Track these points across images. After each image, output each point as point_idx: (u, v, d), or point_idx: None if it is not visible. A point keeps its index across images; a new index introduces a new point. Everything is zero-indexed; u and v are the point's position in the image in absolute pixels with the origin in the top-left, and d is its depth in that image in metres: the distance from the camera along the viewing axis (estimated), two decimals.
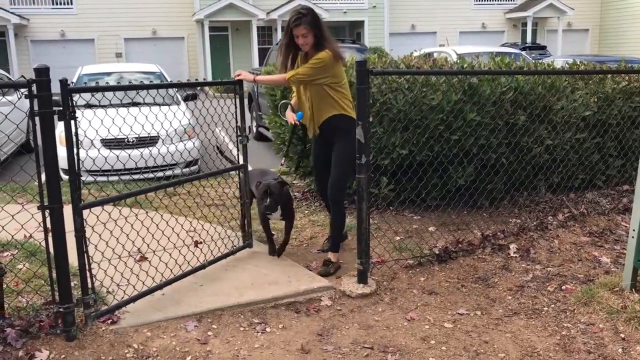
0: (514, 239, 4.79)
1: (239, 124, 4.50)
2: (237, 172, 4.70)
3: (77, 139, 3.29)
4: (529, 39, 31.60)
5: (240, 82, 4.49)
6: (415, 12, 31.31)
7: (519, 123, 5.54)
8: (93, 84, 8.54)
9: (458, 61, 5.94)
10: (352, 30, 31.02)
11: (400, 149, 5.30)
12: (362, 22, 29.64)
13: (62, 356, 3.14)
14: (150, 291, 3.76)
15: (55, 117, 3.11)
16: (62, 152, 6.76)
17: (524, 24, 32.31)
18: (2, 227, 3.29)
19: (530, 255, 4.54)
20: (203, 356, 3.23)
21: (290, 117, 4.50)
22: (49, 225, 3.15)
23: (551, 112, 5.75)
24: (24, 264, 4.27)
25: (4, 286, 3.34)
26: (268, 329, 3.54)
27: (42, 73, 2.93)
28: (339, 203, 4.31)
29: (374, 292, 4.01)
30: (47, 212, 3.13)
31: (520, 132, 5.54)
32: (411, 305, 3.85)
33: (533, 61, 8.58)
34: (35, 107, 2.98)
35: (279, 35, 26.68)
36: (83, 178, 7.41)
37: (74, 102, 3.27)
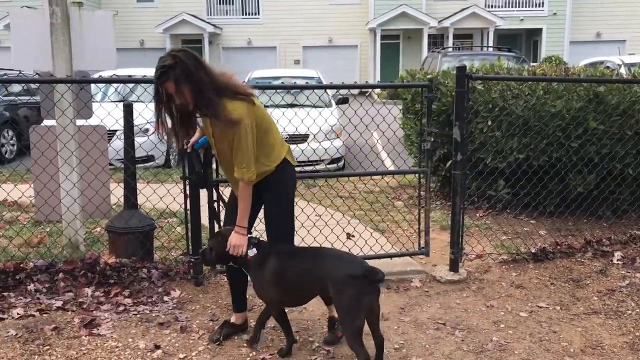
0: (621, 247, 4.78)
1: (425, 127, 4.46)
2: (418, 175, 4.77)
3: None
4: None
5: (429, 85, 4.39)
6: (603, 18, 29.27)
7: None
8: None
9: (588, 69, 5.94)
10: (529, 39, 29.98)
11: (518, 153, 5.49)
12: (540, 29, 28.53)
13: (190, 296, 3.99)
14: None
15: None
16: None
17: None
18: (176, 200, 4.22)
19: (635, 264, 4.52)
20: (299, 311, 3.86)
21: (192, 141, 3.41)
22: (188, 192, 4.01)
23: None
24: (175, 228, 5.28)
25: (159, 243, 4.30)
26: None
27: None
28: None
29: (463, 280, 4.34)
30: (187, 182, 3.99)
31: None
32: (495, 295, 4.14)
33: None
34: None
35: (450, 42, 26.75)
36: None
37: None
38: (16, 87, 11.18)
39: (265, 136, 3.17)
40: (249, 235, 3.21)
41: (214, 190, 3.96)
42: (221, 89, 3.00)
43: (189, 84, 2.91)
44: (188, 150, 3.45)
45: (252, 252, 3.16)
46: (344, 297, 2.89)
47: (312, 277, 3.02)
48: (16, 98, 11.23)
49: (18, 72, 9.45)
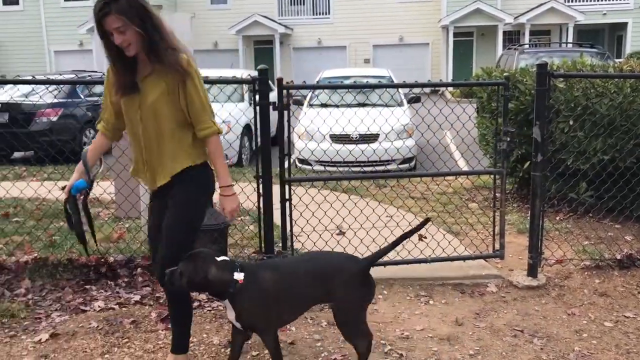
0: None
1: (501, 127, 4.32)
2: (494, 176, 4.66)
3: (289, 126, 4.13)
4: None
5: (505, 83, 4.26)
6: None
7: None
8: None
9: None
10: (612, 34, 28.59)
11: (602, 154, 5.22)
12: (625, 24, 27.15)
13: None
14: None
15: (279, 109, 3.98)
16: (299, 145, 8.16)
17: None
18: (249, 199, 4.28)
19: None
20: (370, 312, 3.80)
21: (69, 184, 2.91)
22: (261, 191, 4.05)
23: None
24: (248, 226, 5.35)
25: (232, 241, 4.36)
26: (431, 302, 3.99)
27: (262, 73, 3.81)
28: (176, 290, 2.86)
29: (542, 286, 4.17)
30: (260, 181, 4.03)
31: None
32: (576, 303, 3.94)
33: None
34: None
35: (526, 39, 25.91)
36: (314, 167, 8.59)
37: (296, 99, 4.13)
38: (99, 88, 11.68)
39: None
40: (229, 259, 2.82)
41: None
42: (169, 40, 2.72)
43: (134, 20, 2.60)
44: (64, 197, 2.93)
45: (241, 275, 2.75)
46: (355, 292, 2.90)
47: (319, 282, 2.86)
48: (99, 99, 11.75)
49: (101, 74, 9.86)
